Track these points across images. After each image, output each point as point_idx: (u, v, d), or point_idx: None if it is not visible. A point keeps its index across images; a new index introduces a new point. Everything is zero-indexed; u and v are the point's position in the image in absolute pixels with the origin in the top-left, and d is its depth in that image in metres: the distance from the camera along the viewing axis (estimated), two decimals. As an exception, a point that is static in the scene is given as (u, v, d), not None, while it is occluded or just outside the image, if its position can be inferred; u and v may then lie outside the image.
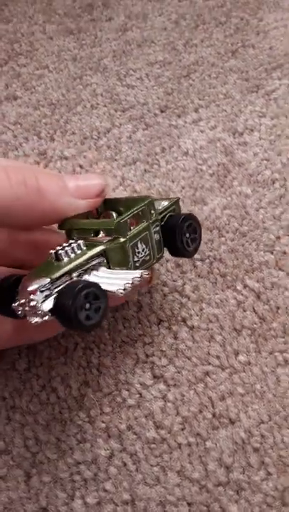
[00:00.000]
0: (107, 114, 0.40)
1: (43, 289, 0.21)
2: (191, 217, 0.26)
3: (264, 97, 0.41)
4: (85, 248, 0.23)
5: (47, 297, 0.21)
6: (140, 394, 0.28)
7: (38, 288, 0.21)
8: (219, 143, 0.38)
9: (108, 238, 0.24)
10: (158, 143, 0.38)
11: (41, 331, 0.26)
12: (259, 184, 0.36)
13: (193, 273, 0.32)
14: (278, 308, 0.31)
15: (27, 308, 0.21)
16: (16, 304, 0.22)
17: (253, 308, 0.31)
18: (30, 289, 0.21)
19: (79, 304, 0.20)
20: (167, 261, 0.32)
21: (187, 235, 0.26)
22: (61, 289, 0.21)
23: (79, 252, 0.23)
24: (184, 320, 0.30)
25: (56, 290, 0.21)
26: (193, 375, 0.29)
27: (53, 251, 0.22)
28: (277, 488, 0.26)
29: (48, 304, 0.21)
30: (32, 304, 0.21)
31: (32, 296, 0.21)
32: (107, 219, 0.26)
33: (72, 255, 0.22)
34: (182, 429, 0.27)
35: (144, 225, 0.24)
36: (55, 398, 0.28)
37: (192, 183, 0.36)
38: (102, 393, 0.28)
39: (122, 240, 0.23)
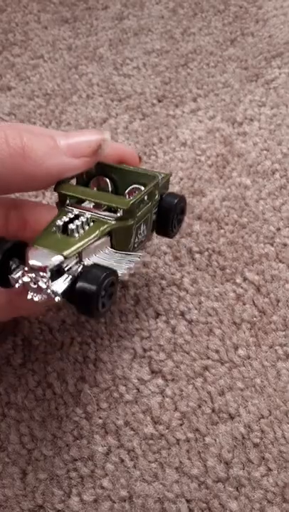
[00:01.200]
0: (103, 104, 0.39)
1: (55, 268, 0.19)
2: (183, 199, 0.26)
3: (264, 86, 0.41)
4: (92, 224, 0.22)
5: (57, 276, 0.19)
6: (138, 389, 0.27)
7: (50, 265, 0.19)
8: (218, 133, 0.37)
9: (115, 216, 0.22)
10: (155, 133, 0.37)
11: (36, 305, 0.25)
12: (259, 175, 0.35)
13: (191, 266, 0.32)
14: (278, 301, 0.30)
15: (31, 284, 0.20)
16: (17, 275, 0.20)
17: (253, 302, 0.30)
18: (40, 264, 0.19)
19: (102, 292, 0.19)
20: (165, 254, 0.32)
21: (175, 215, 0.25)
22: (82, 273, 0.20)
23: (87, 227, 0.21)
24: (182, 314, 0.30)
25: (69, 271, 0.20)
26: (192, 369, 0.28)
27: (60, 222, 0.21)
28: (278, 484, 0.25)
29: (60, 285, 0.19)
30: (41, 282, 0.19)
31: (42, 273, 0.19)
32: (115, 196, 0.24)
33: (82, 231, 0.21)
34: (181, 425, 0.27)
35: (149, 206, 0.23)
36: (51, 394, 0.27)
37: (190, 174, 0.35)
38: (99, 388, 0.27)
39: (131, 221, 0.22)
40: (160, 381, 0.28)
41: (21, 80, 0.41)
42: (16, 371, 0.28)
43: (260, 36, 0.44)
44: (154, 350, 0.29)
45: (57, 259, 0.19)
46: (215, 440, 0.26)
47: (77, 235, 0.21)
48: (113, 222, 0.22)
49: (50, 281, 0.19)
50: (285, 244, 0.32)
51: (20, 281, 0.20)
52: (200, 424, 0.27)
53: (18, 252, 0.21)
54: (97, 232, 0.21)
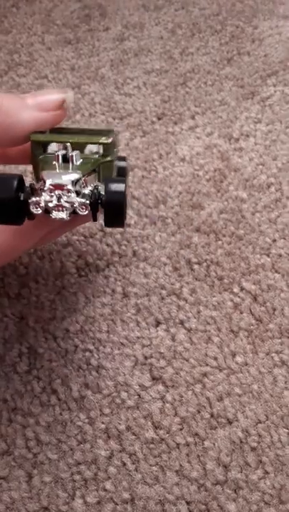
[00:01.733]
0: (105, 122, 0.41)
1: (77, 184, 0.21)
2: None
3: (259, 103, 0.42)
4: (81, 160, 0.23)
5: (78, 192, 0.21)
6: (139, 395, 0.28)
7: (73, 178, 0.21)
8: (215, 149, 0.39)
9: (98, 153, 0.24)
10: (155, 149, 0.39)
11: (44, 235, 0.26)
12: (255, 188, 0.37)
13: (190, 276, 0.33)
14: (274, 309, 0.31)
15: (52, 204, 0.21)
16: (35, 199, 0.21)
17: (250, 310, 0.31)
18: (61, 181, 0.20)
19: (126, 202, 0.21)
20: (165, 265, 0.33)
21: None
22: (107, 186, 0.21)
23: (81, 160, 0.23)
24: (181, 322, 0.31)
25: (88, 188, 0.21)
26: (191, 376, 0.29)
27: (60, 153, 0.22)
28: (275, 487, 0.26)
29: (83, 199, 0.21)
30: (67, 196, 0.20)
31: (66, 189, 0.20)
32: (92, 136, 0.25)
33: (79, 162, 0.22)
34: (180, 429, 0.27)
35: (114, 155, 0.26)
36: (56, 400, 0.28)
37: (189, 189, 0.37)
38: (102, 395, 0.28)
39: (111, 157, 0.24)
40: (161, 387, 0.29)
41: (26, 99, 0.42)
42: (22, 378, 0.29)
43: (256, 55, 0.46)
44: (154, 358, 0.30)
45: (75, 175, 0.21)
46: (214, 444, 0.27)
47: (78, 162, 0.22)
48: (99, 157, 0.24)
49: (75, 195, 0.21)
50: (280, 255, 0.33)
51: (42, 204, 0.21)
52: (199, 429, 0.27)
53: (22, 186, 0.22)
54: (92, 162, 0.23)
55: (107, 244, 0.34)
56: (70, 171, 0.21)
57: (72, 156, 0.22)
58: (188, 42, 0.47)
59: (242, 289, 0.32)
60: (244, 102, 0.42)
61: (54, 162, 0.22)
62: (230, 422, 0.28)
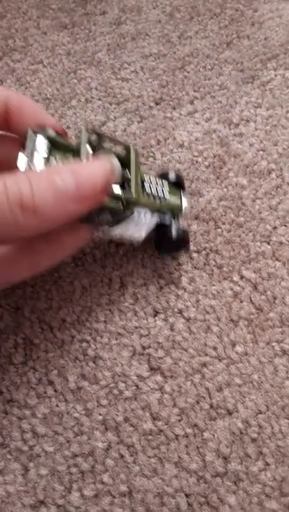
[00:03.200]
0: (102, 108, 0.40)
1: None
2: None
3: (259, 87, 0.41)
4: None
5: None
6: (137, 386, 0.28)
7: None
8: (215, 134, 0.38)
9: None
10: (153, 135, 0.38)
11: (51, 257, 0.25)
12: (255, 175, 0.36)
13: (189, 265, 0.32)
14: (275, 298, 0.31)
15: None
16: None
17: (250, 299, 0.31)
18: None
19: None
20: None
21: None
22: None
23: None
24: (180, 311, 0.30)
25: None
26: (190, 366, 0.28)
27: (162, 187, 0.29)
28: (276, 479, 0.25)
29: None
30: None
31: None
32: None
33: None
34: (179, 421, 0.27)
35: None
36: (52, 391, 0.28)
37: (188, 175, 0.36)
38: (99, 386, 0.28)
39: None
40: (159, 378, 0.28)
41: (21, 85, 0.41)
42: (18, 369, 0.28)
43: (256, 39, 0.45)
44: (152, 348, 0.29)
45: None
46: (213, 435, 0.27)
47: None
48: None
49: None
50: (281, 243, 0.33)
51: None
52: (198, 420, 0.27)
53: None
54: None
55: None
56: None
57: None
58: (186, 25, 0.46)
59: (242, 277, 0.32)
60: (244, 86, 0.41)
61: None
62: (230, 413, 0.27)
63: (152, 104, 0.40)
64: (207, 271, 0.32)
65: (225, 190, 0.35)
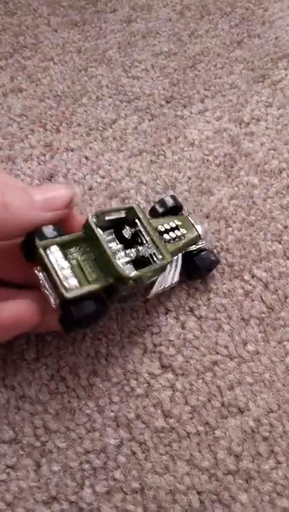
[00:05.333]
0: (113, 106, 0.40)
1: None
2: None
3: (270, 86, 0.41)
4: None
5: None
6: (148, 383, 0.28)
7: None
8: (225, 133, 0.38)
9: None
10: (164, 133, 0.38)
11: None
12: (266, 174, 0.36)
13: (200, 263, 0.32)
14: (286, 297, 0.31)
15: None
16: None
17: (261, 298, 0.31)
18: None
19: None
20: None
21: None
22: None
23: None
24: (191, 310, 0.30)
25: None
26: (202, 364, 0.29)
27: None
28: (287, 477, 0.26)
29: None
30: None
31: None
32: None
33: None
34: (191, 418, 0.27)
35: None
36: (64, 388, 0.28)
37: (198, 174, 0.36)
38: (111, 383, 0.28)
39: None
40: (170, 375, 0.28)
41: (32, 82, 0.41)
42: (30, 365, 0.28)
43: (267, 38, 0.45)
44: (164, 346, 0.29)
45: None
46: (225, 433, 0.27)
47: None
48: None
49: None
50: (292, 242, 0.33)
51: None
52: (210, 418, 0.27)
53: None
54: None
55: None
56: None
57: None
58: (197, 24, 0.46)
59: (253, 276, 0.32)
60: (255, 85, 0.41)
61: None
62: (241, 411, 0.27)
63: (163, 102, 0.40)
64: (218, 269, 0.32)
65: (236, 188, 0.35)
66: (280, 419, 0.27)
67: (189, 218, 0.31)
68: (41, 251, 0.23)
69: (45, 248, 0.23)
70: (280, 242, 0.33)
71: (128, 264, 0.26)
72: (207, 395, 0.28)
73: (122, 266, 0.25)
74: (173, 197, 0.31)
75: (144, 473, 0.26)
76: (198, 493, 0.25)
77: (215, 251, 0.32)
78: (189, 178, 0.36)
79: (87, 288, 0.23)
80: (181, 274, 0.30)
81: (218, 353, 0.29)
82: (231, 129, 0.38)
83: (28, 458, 0.26)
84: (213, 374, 0.28)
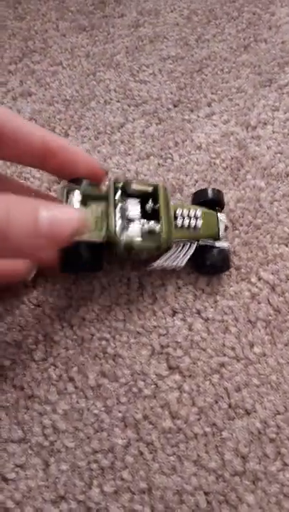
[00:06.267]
0: (121, 110, 0.40)
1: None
2: None
3: (277, 91, 0.41)
4: None
5: None
6: (156, 384, 0.28)
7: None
8: (232, 137, 0.38)
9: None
10: (171, 137, 0.38)
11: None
12: (273, 177, 0.36)
13: (207, 265, 0.32)
14: (293, 300, 0.31)
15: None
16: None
17: (268, 301, 0.31)
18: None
19: None
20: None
21: None
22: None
23: None
24: (198, 312, 0.31)
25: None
26: (209, 366, 0.29)
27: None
28: (294, 478, 0.26)
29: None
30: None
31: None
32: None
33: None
34: (198, 419, 0.27)
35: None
36: (72, 388, 0.28)
37: (205, 177, 0.36)
38: (119, 383, 0.28)
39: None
40: (178, 377, 0.28)
41: (41, 86, 0.42)
42: (39, 366, 0.28)
43: (273, 42, 0.45)
44: (171, 347, 0.29)
45: None
46: (232, 435, 0.27)
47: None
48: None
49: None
50: (299, 245, 0.33)
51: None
52: (217, 419, 0.27)
53: None
54: None
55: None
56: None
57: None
58: (204, 29, 0.46)
59: (260, 278, 0.32)
60: (261, 89, 0.41)
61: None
62: (248, 413, 0.27)
63: (170, 106, 0.40)
64: (225, 272, 0.32)
65: (242, 192, 0.35)
66: (287, 421, 0.27)
67: (218, 216, 0.31)
68: (64, 192, 0.27)
69: (68, 191, 0.27)
70: (286, 245, 0.33)
71: (137, 234, 0.28)
72: (214, 397, 0.28)
73: (119, 227, 0.27)
74: (215, 191, 0.32)
75: (152, 473, 0.26)
76: (206, 493, 0.25)
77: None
78: (196, 181, 0.36)
79: (86, 236, 0.26)
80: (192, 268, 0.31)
81: (225, 355, 0.29)
82: (238, 132, 0.38)
83: (37, 457, 0.26)
84: (220, 376, 0.28)
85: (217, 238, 0.31)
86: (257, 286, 0.31)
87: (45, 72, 0.43)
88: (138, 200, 0.29)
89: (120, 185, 0.28)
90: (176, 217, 0.29)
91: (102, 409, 0.27)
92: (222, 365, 0.29)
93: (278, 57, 0.44)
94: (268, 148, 0.37)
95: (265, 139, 0.38)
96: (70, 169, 0.28)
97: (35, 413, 0.27)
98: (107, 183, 0.29)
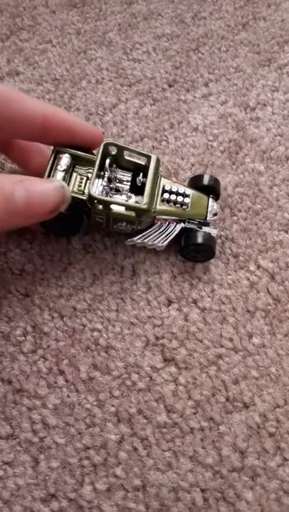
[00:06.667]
0: (113, 89, 0.38)
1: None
2: None
3: (276, 70, 0.40)
4: None
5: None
6: (150, 377, 0.27)
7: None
8: (230, 118, 0.37)
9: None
10: (166, 118, 0.37)
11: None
12: (272, 161, 0.34)
13: (204, 253, 0.31)
14: (293, 288, 0.30)
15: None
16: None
17: (267, 289, 0.30)
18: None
19: None
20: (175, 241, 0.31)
21: None
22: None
23: None
24: (194, 301, 0.29)
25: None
26: (206, 357, 0.28)
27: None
28: (294, 474, 0.25)
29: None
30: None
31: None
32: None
33: None
34: (194, 413, 0.26)
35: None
36: (63, 381, 0.27)
37: (202, 160, 0.35)
38: (111, 376, 0.27)
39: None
40: (173, 369, 0.27)
41: (30, 64, 0.40)
42: (28, 358, 0.27)
43: (273, 20, 0.43)
44: (166, 338, 0.28)
45: None
46: (229, 429, 0.26)
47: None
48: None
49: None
50: (300, 231, 0.31)
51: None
52: (214, 413, 0.26)
53: None
54: None
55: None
56: None
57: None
58: (200, 6, 0.44)
59: (259, 266, 0.30)
60: (260, 69, 0.40)
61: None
62: (246, 406, 0.26)
63: (165, 86, 0.39)
64: (223, 260, 0.31)
65: (241, 176, 0.34)
66: (287, 414, 0.26)
67: (209, 200, 0.30)
68: (53, 153, 0.28)
69: (58, 152, 0.28)
70: (286, 232, 0.32)
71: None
72: (211, 390, 0.27)
73: (96, 188, 0.27)
74: (212, 178, 0.31)
75: (146, 470, 0.25)
76: (202, 490, 0.24)
77: (219, 241, 0.31)
78: (193, 165, 0.34)
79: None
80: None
81: (222, 346, 0.28)
82: (236, 114, 0.37)
83: (26, 454, 0.25)
84: (218, 368, 0.27)
85: (204, 223, 0.29)
86: (256, 275, 0.30)
87: (33, 50, 0.41)
88: (130, 174, 0.29)
89: (113, 153, 0.28)
90: (165, 191, 0.29)
91: (95, 403, 0.26)
92: (219, 356, 0.28)
93: (278, 35, 0.42)
94: (267, 130, 0.36)
95: (264, 121, 0.36)
96: (68, 141, 0.28)
97: (24, 408, 0.26)
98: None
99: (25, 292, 0.29)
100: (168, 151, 0.35)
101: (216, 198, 0.31)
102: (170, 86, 0.39)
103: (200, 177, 0.31)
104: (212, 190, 0.30)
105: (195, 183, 0.31)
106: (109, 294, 0.29)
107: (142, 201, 0.27)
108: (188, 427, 0.26)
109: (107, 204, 0.27)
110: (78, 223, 0.30)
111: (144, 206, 0.27)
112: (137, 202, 0.28)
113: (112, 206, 0.27)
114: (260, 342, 0.28)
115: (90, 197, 0.26)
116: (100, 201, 0.27)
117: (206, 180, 0.30)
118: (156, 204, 0.28)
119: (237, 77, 0.39)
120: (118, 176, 0.29)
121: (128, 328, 0.28)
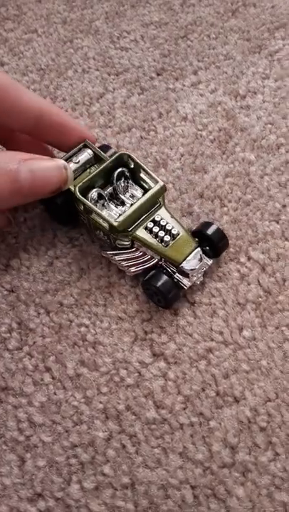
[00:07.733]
0: (100, 79, 0.37)
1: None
2: None
3: (267, 57, 0.39)
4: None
5: None
6: (139, 372, 0.26)
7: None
8: (220, 107, 0.36)
9: None
10: (154, 108, 0.36)
11: None
12: (263, 150, 0.34)
13: (193, 245, 0.30)
14: (285, 280, 0.29)
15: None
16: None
17: (258, 281, 0.29)
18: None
19: None
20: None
21: None
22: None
23: None
24: (184, 295, 0.29)
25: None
26: (195, 352, 0.27)
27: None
28: (286, 469, 0.24)
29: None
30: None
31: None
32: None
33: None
34: (184, 409, 0.26)
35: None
36: (50, 378, 0.26)
37: (192, 150, 0.34)
38: (99, 372, 0.26)
39: None
40: (162, 364, 0.27)
41: (15, 55, 0.39)
42: (13, 355, 0.27)
43: (263, 7, 0.42)
44: (155, 333, 0.27)
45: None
46: (220, 424, 0.25)
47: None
48: None
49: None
50: (291, 221, 0.31)
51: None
52: (204, 408, 0.26)
53: None
54: None
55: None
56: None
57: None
58: (189, -8, 0.43)
59: (249, 258, 0.30)
60: (251, 56, 0.39)
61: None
62: (237, 401, 0.26)
63: (153, 74, 0.38)
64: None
65: (231, 166, 0.33)
66: (278, 408, 0.26)
67: (196, 251, 0.27)
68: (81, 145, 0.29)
69: (85, 146, 0.29)
70: (277, 222, 0.31)
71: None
72: (201, 384, 0.26)
73: (84, 184, 0.28)
74: (217, 231, 0.29)
75: (135, 467, 0.24)
76: (192, 487, 0.24)
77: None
78: (182, 155, 0.34)
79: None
80: None
81: (212, 340, 0.27)
82: (226, 102, 0.36)
83: (12, 453, 0.25)
84: (208, 362, 0.27)
85: (182, 271, 0.27)
86: (246, 267, 0.30)
87: (18, 40, 0.40)
88: (142, 191, 0.29)
89: (131, 166, 0.29)
90: (153, 221, 0.28)
91: (82, 400, 0.26)
92: (209, 350, 0.27)
93: (268, 22, 0.41)
94: (257, 118, 0.35)
95: (254, 109, 0.36)
96: (60, 139, 0.29)
97: (10, 406, 0.25)
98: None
99: (10, 288, 0.28)
100: (156, 141, 0.34)
101: (214, 254, 0.29)
102: (158, 75, 0.38)
103: (207, 224, 0.29)
104: (211, 243, 0.28)
105: (201, 228, 0.29)
106: (96, 289, 0.29)
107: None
108: (178, 423, 0.25)
109: (85, 207, 0.27)
110: (70, 215, 0.30)
111: (115, 223, 0.26)
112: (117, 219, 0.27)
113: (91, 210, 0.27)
114: (250, 335, 0.27)
115: (72, 192, 0.27)
116: (80, 201, 0.27)
117: (210, 229, 0.28)
118: (135, 229, 0.27)
119: (227, 65, 0.38)
120: (131, 191, 0.29)
121: (116, 323, 0.28)
